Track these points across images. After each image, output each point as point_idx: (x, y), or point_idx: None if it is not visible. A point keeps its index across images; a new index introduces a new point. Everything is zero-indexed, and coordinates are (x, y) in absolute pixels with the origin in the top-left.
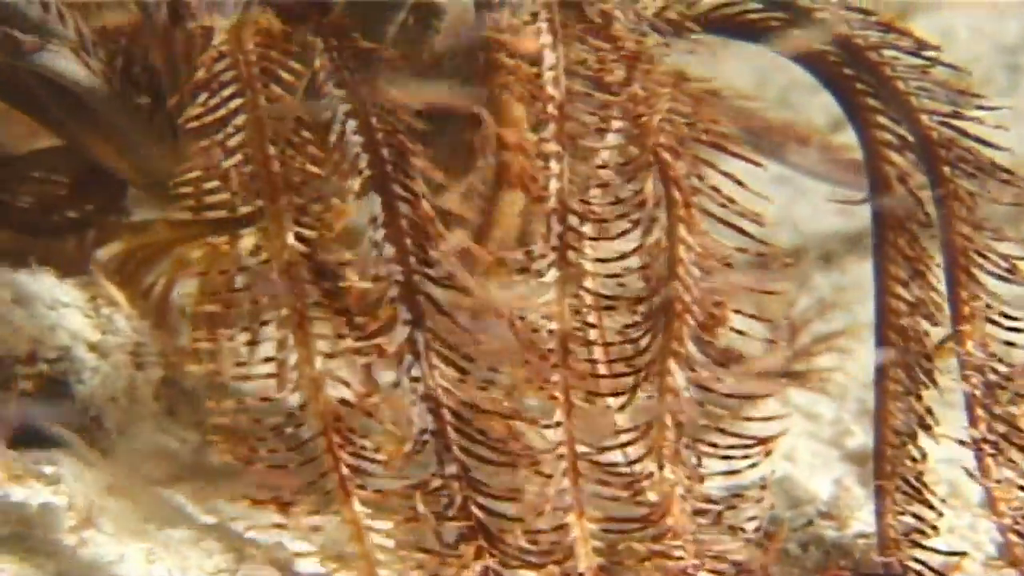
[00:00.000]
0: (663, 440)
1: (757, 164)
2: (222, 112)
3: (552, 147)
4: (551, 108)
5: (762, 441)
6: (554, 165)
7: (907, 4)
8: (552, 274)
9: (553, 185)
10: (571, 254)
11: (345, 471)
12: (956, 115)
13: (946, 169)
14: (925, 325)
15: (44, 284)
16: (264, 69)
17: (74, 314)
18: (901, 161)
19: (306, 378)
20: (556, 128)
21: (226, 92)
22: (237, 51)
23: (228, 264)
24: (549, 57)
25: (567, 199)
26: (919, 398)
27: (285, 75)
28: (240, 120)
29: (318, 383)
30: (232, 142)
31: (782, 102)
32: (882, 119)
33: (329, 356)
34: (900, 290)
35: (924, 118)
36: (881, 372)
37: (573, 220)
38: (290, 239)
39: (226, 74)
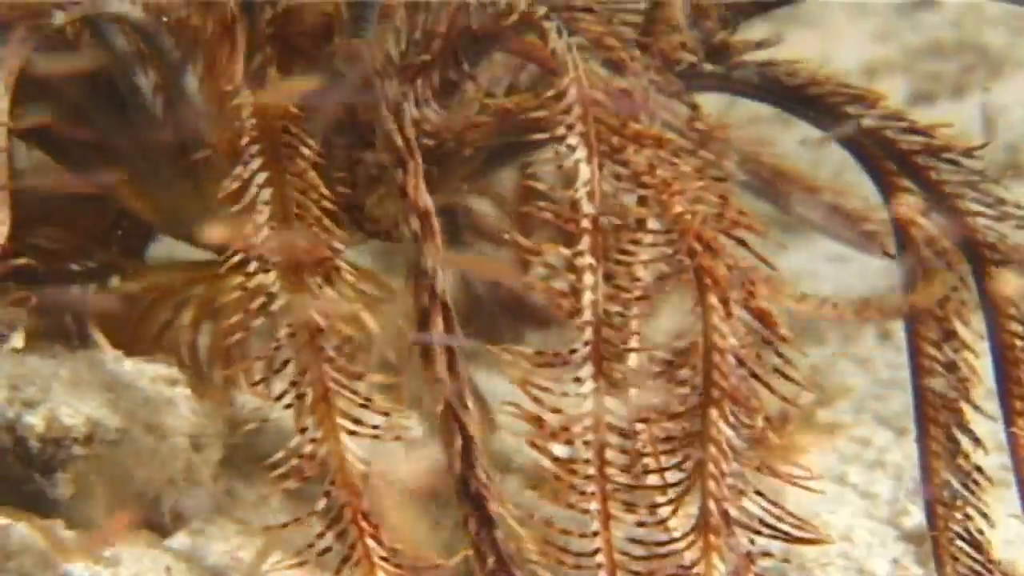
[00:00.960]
0: (709, 536)
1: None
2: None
3: (586, 260)
4: (585, 223)
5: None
6: (588, 278)
7: (962, 81)
8: (590, 385)
9: (588, 298)
10: (607, 365)
11: (370, 542)
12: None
13: (992, 268)
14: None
15: (103, 363)
16: (288, 144)
17: (133, 394)
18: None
19: (330, 451)
20: (591, 242)
21: (254, 165)
22: (264, 126)
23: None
24: (584, 172)
25: (602, 312)
26: (962, 464)
27: (307, 151)
28: (267, 195)
29: (342, 455)
30: (260, 218)
31: (836, 178)
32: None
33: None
34: (933, 351)
35: (969, 220)
36: (922, 436)
37: (609, 333)
38: (314, 313)
39: (254, 147)
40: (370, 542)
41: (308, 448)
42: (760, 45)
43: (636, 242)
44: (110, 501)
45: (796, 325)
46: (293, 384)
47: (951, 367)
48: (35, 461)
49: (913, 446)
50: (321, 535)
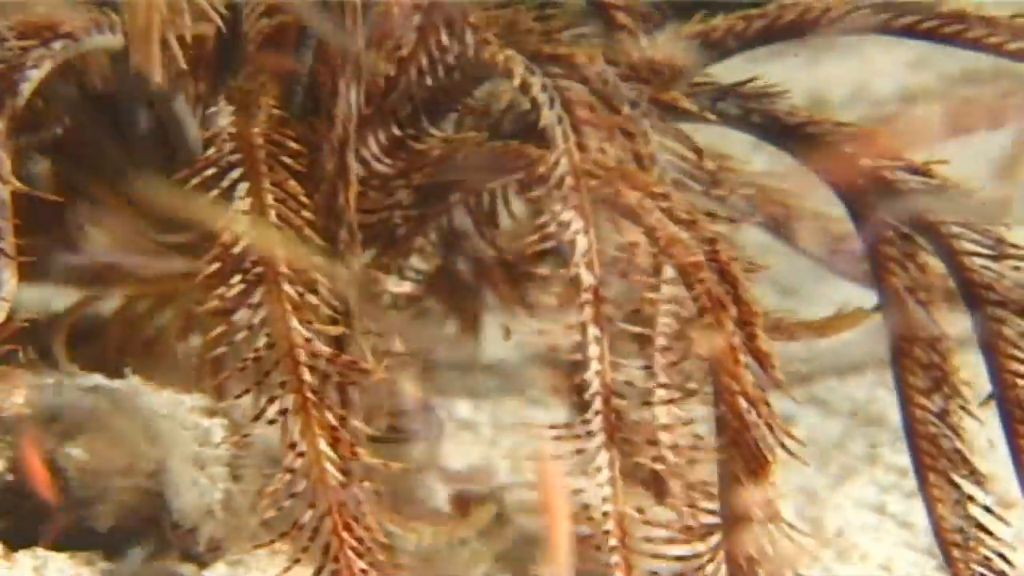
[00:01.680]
0: None
1: None
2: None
3: (591, 332)
4: (586, 295)
5: None
6: (593, 349)
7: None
8: (603, 457)
9: (595, 367)
10: (619, 435)
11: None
12: (998, 256)
13: (990, 310)
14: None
15: (142, 394)
16: (269, 153)
17: (172, 425)
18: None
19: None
20: (593, 313)
21: (234, 174)
22: (244, 133)
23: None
24: (581, 243)
25: (610, 381)
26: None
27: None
28: (246, 204)
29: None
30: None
31: None
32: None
33: (333, 446)
34: (923, 400)
35: (966, 260)
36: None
37: (619, 401)
38: (293, 323)
39: (233, 156)
40: (351, 553)
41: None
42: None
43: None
44: (149, 532)
45: (834, 356)
46: (271, 400)
47: (943, 414)
48: (75, 492)
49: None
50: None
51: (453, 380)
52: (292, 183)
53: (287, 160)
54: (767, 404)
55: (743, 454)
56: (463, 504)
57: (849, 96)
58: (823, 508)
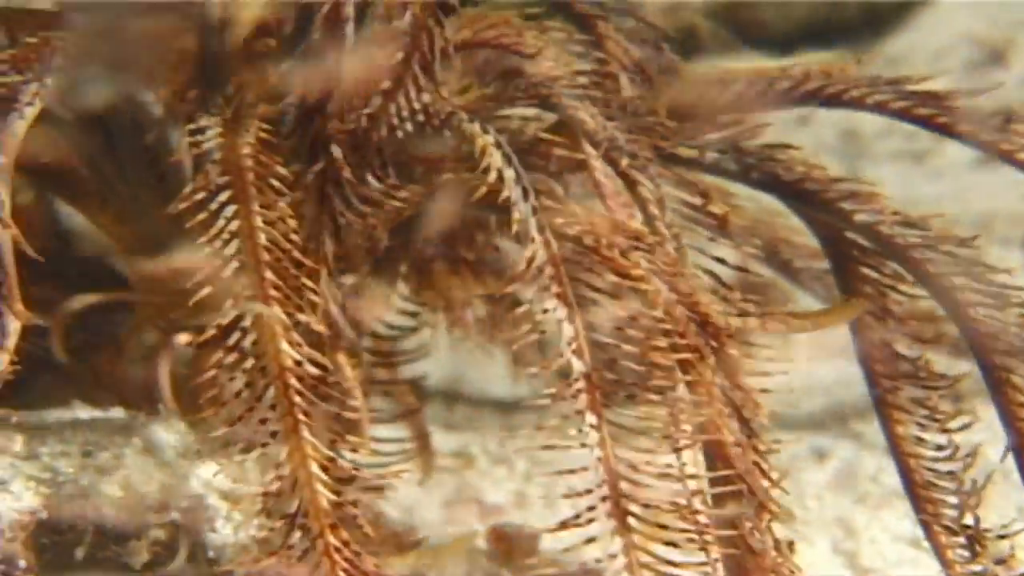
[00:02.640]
0: None
1: None
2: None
3: (590, 418)
4: (580, 384)
5: None
6: (593, 436)
7: None
8: (617, 543)
9: (596, 454)
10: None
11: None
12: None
13: (997, 359)
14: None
15: (176, 431)
16: (259, 175)
17: (206, 461)
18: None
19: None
20: (588, 399)
21: (222, 197)
22: (233, 157)
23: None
24: (567, 331)
25: (614, 466)
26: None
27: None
28: (235, 226)
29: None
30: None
31: None
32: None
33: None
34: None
35: (971, 311)
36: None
37: (624, 485)
38: (283, 346)
39: (222, 178)
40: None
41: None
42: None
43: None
44: (184, 568)
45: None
46: (262, 422)
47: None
48: (109, 528)
49: (995, 516)
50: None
51: (486, 416)
52: (281, 206)
53: (275, 183)
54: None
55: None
56: (501, 538)
57: None
58: (859, 542)
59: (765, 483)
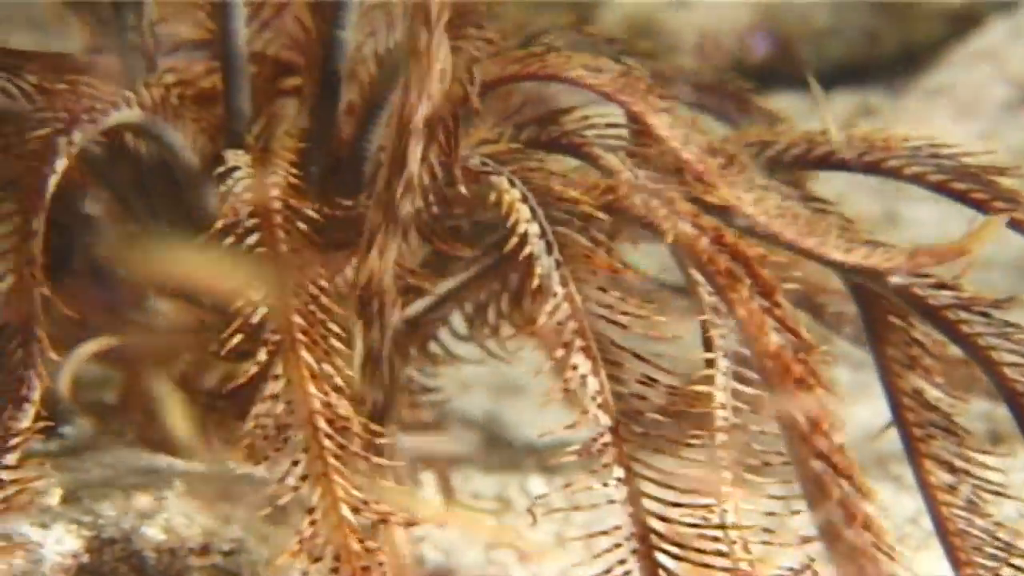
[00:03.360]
0: None
1: None
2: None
3: (618, 472)
4: (606, 437)
5: None
6: (620, 491)
7: None
8: None
9: (627, 510)
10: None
11: None
12: None
13: None
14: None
15: (216, 470)
16: (287, 218)
17: (247, 502)
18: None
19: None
20: (616, 453)
21: (251, 240)
22: (261, 199)
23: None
24: (592, 384)
25: (645, 522)
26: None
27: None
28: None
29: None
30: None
31: None
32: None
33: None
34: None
35: (1007, 371)
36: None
37: (655, 539)
38: (311, 389)
39: (250, 220)
40: None
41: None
42: None
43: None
44: None
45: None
46: (294, 463)
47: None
48: (151, 572)
49: None
50: None
51: (527, 456)
52: (309, 251)
53: (303, 226)
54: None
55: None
56: None
57: None
58: None
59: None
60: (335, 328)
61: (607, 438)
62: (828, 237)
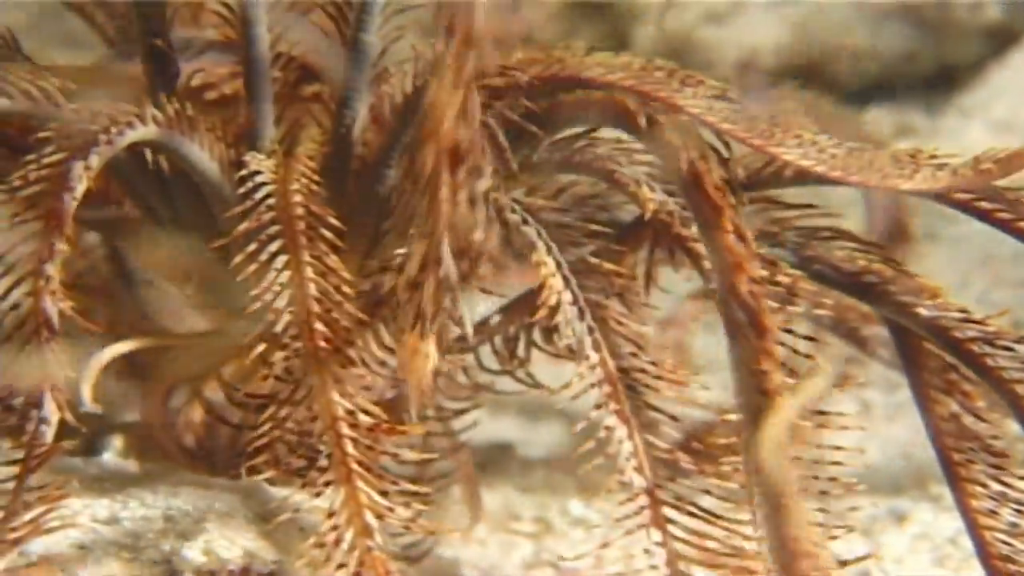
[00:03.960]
0: None
1: None
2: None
3: (654, 535)
4: (640, 499)
5: None
6: (659, 555)
7: None
8: None
9: (663, 572)
10: None
11: None
12: None
13: None
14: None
15: (255, 493)
16: (309, 225)
17: (287, 524)
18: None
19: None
20: (652, 515)
21: (273, 247)
22: (283, 203)
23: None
24: (626, 447)
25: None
26: None
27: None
28: (285, 277)
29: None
30: (279, 302)
31: None
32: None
33: (379, 516)
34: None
35: None
36: None
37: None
38: (335, 396)
39: (272, 227)
40: None
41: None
42: None
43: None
44: None
45: None
46: (321, 470)
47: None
48: None
49: None
50: None
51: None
52: (332, 258)
53: (326, 233)
54: None
55: None
56: None
57: None
58: None
59: None
60: (358, 335)
61: (643, 500)
62: (890, 169)
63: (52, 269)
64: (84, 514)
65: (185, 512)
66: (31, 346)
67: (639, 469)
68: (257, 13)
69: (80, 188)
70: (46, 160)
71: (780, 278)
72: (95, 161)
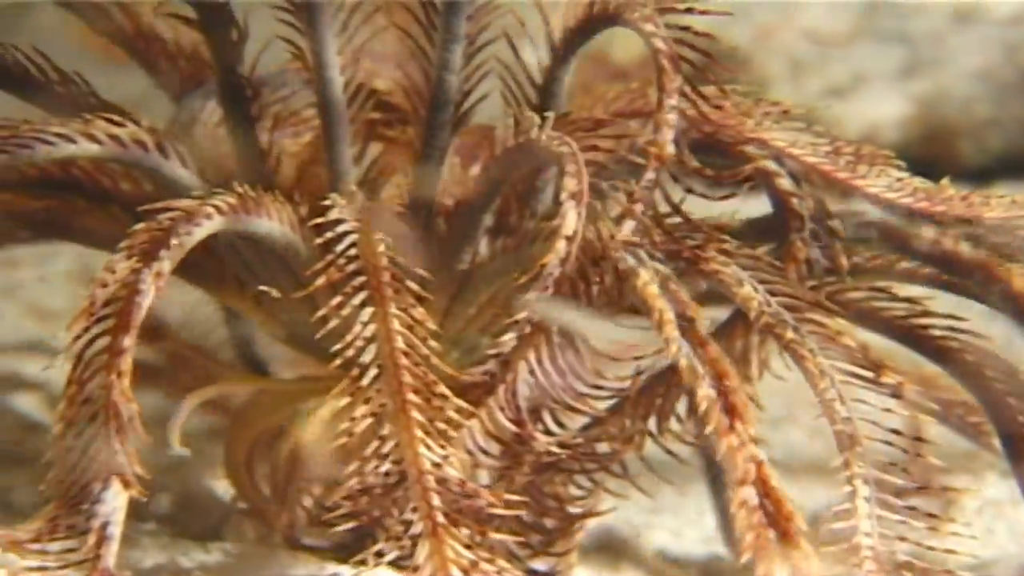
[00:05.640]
0: None
1: None
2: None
3: None
4: None
5: None
6: None
7: None
8: None
9: None
10: None
11: None
12: None
13: None
14: None
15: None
16: (394, 276)
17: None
18: None
19: None
20: None
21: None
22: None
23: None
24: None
25: None
26: None
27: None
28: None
29: None
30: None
31: None
32: None
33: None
34: None
35: None
36: None
37: None
38: (420, 448)
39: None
40: None
41: None
42: None
43: None
44: None
45: None
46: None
47: None
48: None
49: None
50: None
51: None
52: (419, 311)
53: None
54: None
55: None
56: None
57: None
58: None
59: None
60: (445, 389)
61: None
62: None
63: (123, 364)
64: None
65: None
66: (100, 437)
67: None
68: (329, 57)
69: (150, 293)
70: (120, 267)
71: (887, 380)
72: (166, 266)
